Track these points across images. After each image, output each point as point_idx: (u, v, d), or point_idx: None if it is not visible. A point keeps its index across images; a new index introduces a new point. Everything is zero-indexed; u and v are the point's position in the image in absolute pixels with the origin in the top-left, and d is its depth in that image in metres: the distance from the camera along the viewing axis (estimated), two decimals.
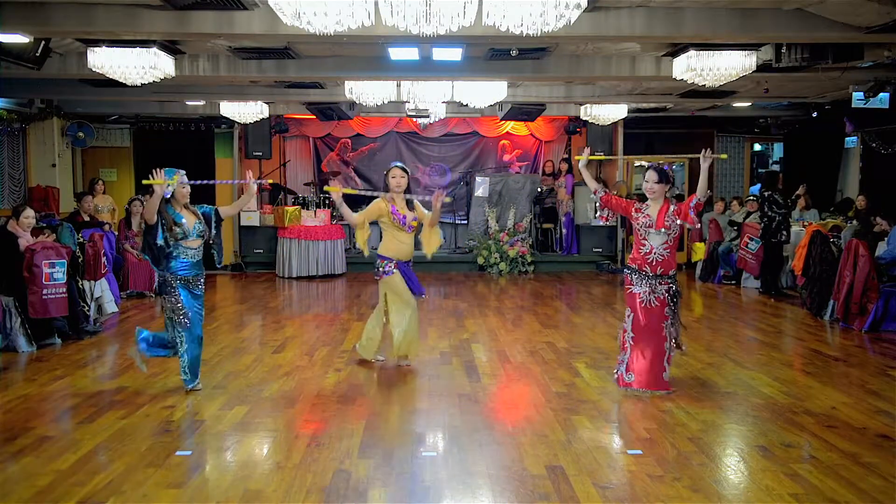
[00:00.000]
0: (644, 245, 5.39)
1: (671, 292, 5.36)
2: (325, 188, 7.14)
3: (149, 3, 6.16)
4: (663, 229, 5.32)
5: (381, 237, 6.17)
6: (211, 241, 5.41)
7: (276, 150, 13.78)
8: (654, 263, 5.34)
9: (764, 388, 5.51)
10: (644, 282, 5.36)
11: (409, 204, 6.04)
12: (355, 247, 13.20)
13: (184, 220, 5.23)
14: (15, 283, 6.64)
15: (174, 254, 5.22)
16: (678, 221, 5.32)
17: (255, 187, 5.56)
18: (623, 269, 5.52)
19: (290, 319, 8.69)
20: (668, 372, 5.40)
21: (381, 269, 5.99)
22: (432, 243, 6.17)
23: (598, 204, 5.72)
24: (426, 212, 6.09)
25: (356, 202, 7.32)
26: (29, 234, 7.11)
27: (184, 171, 5.28)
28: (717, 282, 11.32)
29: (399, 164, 6.14)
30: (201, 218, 5.34)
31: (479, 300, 9.78)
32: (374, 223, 6.12)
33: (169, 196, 5.16)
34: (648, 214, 5.38)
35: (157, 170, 5.08)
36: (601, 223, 13.09)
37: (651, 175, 5.39)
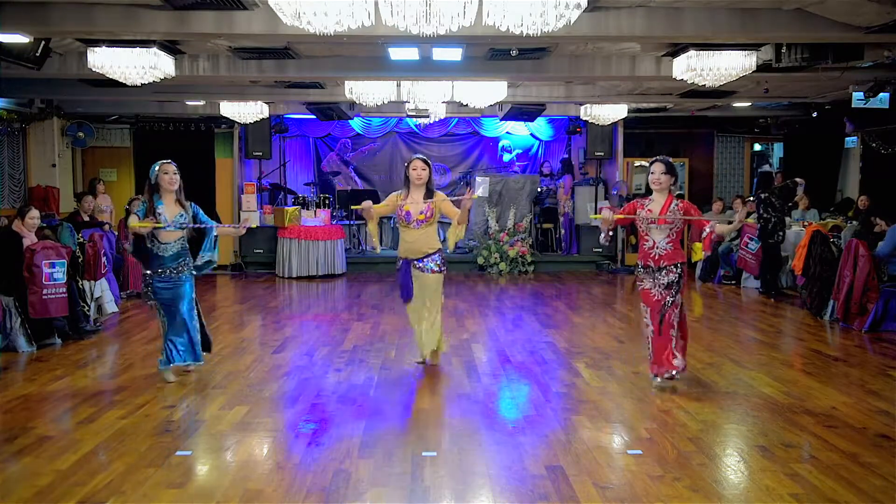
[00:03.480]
0: (647, 240, 5.43)
1: (674, 280, 5.36)
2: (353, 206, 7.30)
3: (149, 3, 6.16)
4: (665, 225, 5.34)
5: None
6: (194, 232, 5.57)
7: (276, 151, 13.79)
8: (657, 257, 5.38)
9: (764, 388, 5.51)
10: (650, 276, 5.41)
11: (429, 196, 5.87)
12: (357, 247, 13.29)
13: (162, 208, 5.33)
14: (15, 283, 6.64)
15: (153, 250, 5.37)
16: (681, 215, 5.35)
17: (243, 231, 5.84)
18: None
19: (290, 319, 8.69)
20: (679, 359, 5.35)
21: (397, 266, 6.08)
22: (453, 237, 6.00)
23: (605, 236, 5.65)
24: (456, 209, 5.89)
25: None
26: (33, 235, 7.11)
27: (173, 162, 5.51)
28: (717, 282, 11.32)
29: (420, 156, 6.01)
30: (189, 213, 5.47)
31: (479, 300, 9.78)
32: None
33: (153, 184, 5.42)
34: (651, 209, 5.39)
35: (149, 217, 5.28)
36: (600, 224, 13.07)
37: (658, 167, 5.39)
